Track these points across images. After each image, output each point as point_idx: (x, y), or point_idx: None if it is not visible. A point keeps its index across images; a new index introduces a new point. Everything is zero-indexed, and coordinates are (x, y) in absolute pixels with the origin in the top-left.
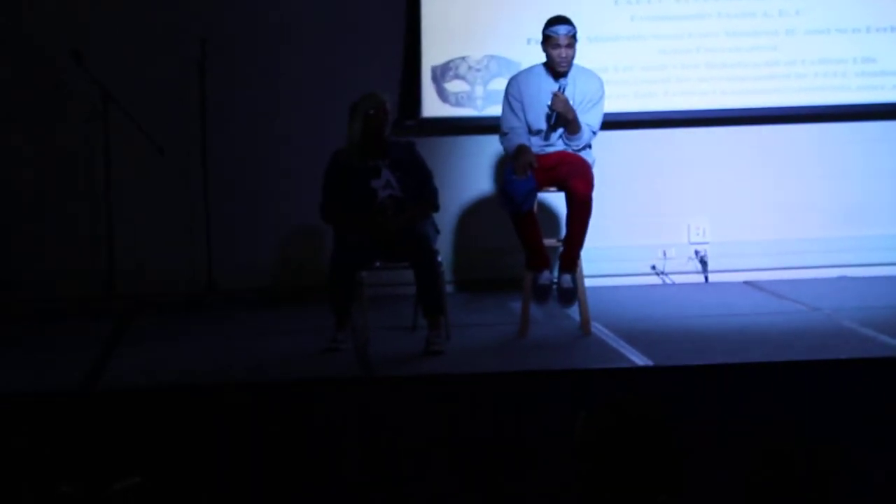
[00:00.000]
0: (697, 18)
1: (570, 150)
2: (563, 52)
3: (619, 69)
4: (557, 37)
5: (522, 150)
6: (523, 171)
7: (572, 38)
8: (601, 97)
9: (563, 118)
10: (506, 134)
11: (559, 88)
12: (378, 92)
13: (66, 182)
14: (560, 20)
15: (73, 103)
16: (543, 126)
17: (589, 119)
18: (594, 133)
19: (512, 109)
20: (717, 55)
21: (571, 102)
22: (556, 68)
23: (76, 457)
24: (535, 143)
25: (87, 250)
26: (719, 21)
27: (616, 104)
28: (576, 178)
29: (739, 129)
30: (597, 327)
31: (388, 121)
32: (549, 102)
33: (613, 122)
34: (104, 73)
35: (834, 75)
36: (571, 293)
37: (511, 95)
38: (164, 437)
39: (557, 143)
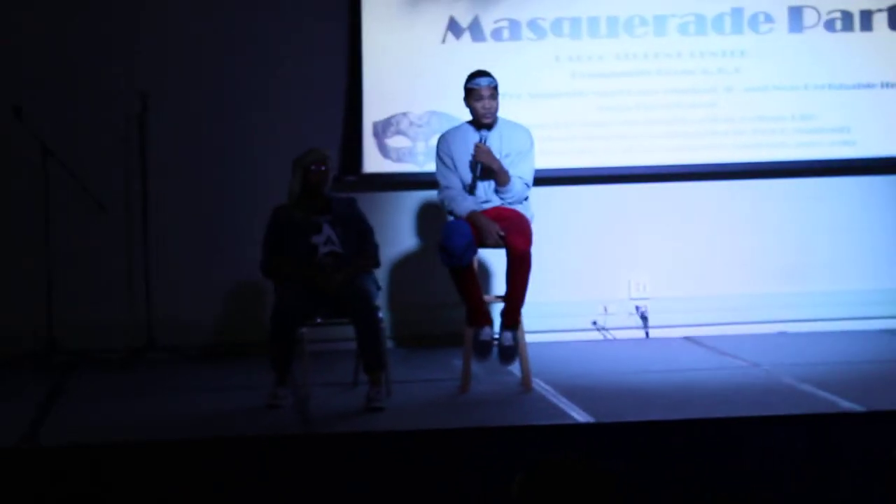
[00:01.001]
0: (637, 75)
1: (506, 206)
2: (486, 102)
3: (559, 125)
4: (480, 88)
5: (481, 221)
6: (498, 242)
7: (494, 90)
8: (530, 148)
9: (488, 169)
10: (445, 188)
11: (481, 140)
12: (320, 148)
13: (4, 237)
14: (480, 73)
15: (12, 158)
16: (470, 179)
17: (520, 171)
18: (527, 185)
19: (445, 165)
20: (656, 112)
21: (499, 155)
22: (481, 120)
23: None
24: (470, 198)
25: (26, 306)
26: (659, 78)
27: (556, 160)
28: (514, 233)
29: (679, 185)
30: (538, 383)
31: (330, 176)
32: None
33: (554, 178)
34: (44, 128)
35: (772, 132)
36: (512, 351)
37: (442, 152)
38: (101, 493)
39: (494, 199)
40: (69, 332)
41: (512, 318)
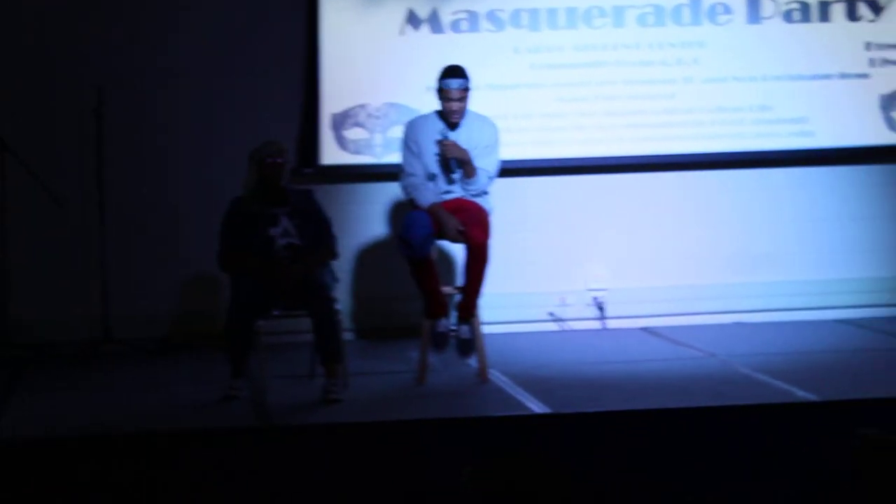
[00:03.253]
0: (596, 66)
1: (467, 197)
2: (455, 105)
3: (518, 117)
4: (449, 90)
5: (442, 216)
6: (456, 237)
7: (464, 91)
8: (496, 142)
9: (460, 161)
10: (409, 175)
11: (443, 136)
12: (276, 140)
13: None
14: (453, 72)
15: None
16: (436, 170)
17: (485, 164)
18: (491, 178)
19: (411, 151)
20: (615, 103)
21: (464, 146)
22: (449, 119)
23: None
24: (432, 189)
25: None
26: (618, 69)
27: (515, 151)
28: (473, 225)
29: (637, 176)
30: (494, 374)
31: (286, 168)
32: (437, 150)
33: (512, 170)
34: (0, 123)
35: (731, 123)
36: (469, 344)
37: (409, 138)
38: (57, 488)
39: (455, 189)
40: (25, 325)
41: (468, 310)
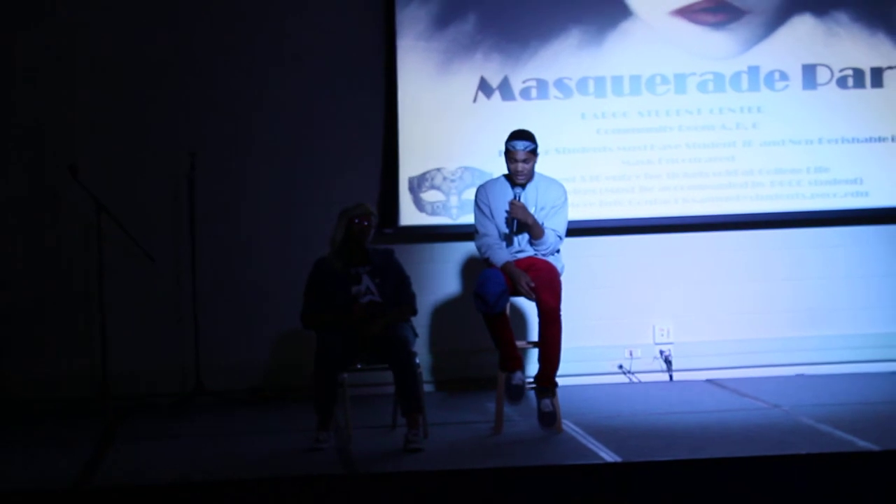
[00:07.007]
0: (659, 131)
1: (538, 256)
2: (520, 166)
3: (585, 179)
4: (515, 151)
5: (516, 273)
6: (528, 293)
7: (530, 153)
8: (564, 203)
9: (523, 224)
10: (483, 236)
11: (515, 196)
12: (366, 204)
13: (61, 288)
14: (519, 135)
15: (68, 214)
16: (507, 231)
17: (553, 224)
18: (560, 238)
19: (483, 214)
20: (678, 166)
21: (533, 209)
22: (515, 179)
23: None
24: (505, 248)
25: (81, 353)
26: (680, 134)
27: (583, 212)
28: (544, 289)
29: (700, 235)
30: (568, 425)
31: (371, 232)
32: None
33: (582, 229)
34: (97, 186)
35: (789, 184)
36: (552, 417)
37: (480, 201)
38: None
39: (527, 249)
40: (121, 378)
41: (548, 380)
